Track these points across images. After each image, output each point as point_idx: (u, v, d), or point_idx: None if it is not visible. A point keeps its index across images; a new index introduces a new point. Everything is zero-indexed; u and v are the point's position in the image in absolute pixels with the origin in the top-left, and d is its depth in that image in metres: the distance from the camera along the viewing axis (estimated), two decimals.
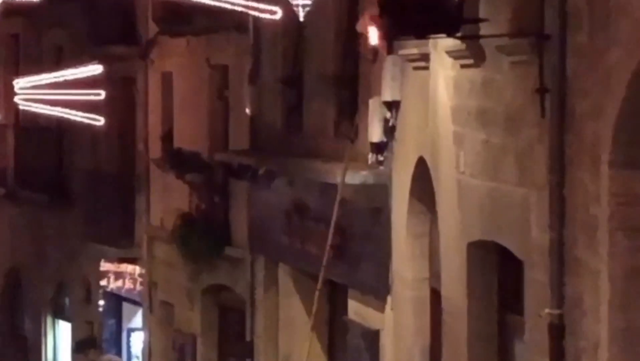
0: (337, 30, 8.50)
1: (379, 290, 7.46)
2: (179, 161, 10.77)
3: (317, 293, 7.77)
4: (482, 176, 5.76)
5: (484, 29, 5.60)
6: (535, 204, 5.20)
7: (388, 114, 7.05)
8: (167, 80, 11.50)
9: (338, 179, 7.59)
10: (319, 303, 8.14)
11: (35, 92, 11.98)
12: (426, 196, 6.77)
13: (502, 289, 5.90)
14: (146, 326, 11.84)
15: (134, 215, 12.06)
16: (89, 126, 11.85)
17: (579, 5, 4.85)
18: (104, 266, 12.27)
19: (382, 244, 7.39)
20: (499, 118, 5.61)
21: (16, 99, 12.30)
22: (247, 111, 9.62)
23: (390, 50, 6.67)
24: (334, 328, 8.79)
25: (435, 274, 6.77)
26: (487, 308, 5.91)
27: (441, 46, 6.12)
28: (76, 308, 13.26)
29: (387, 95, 6.96)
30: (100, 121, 11.76)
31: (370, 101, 7.30)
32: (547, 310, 4.99)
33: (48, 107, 11.86)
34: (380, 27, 5.65)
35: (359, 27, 6.70)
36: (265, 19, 8.53)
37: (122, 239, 12.03)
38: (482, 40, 5.67)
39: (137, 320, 12.22)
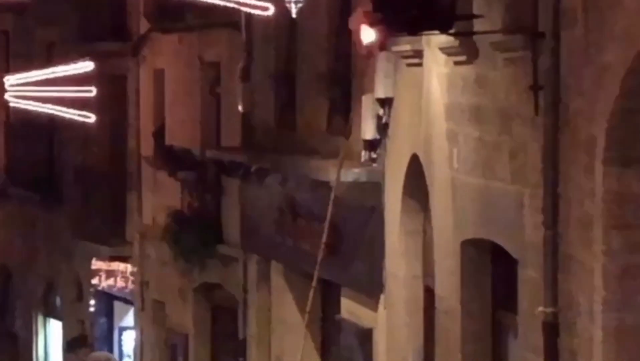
0: (330, 26, 8.46)
1: (372, 289, 7.43)
2: (170, 159, 10.72)
3: (311, 290, 7.73)
4: (475, 174, 5.73)
5: (478, 26, 5.57)
6: (529, 202, 5.18)
7: (381, 111, 7.02)
8: (158, 77, 11.44)
9: (331, 177, 7.56)
10: (311, 301, 8.10)
11: (25, 89, 11.90)
12: (419, 194, 6.74)
13: (496, 288, 5.88)
14: (138, 324, 11.79)
15: (125, 213, 12.01)
16: (80, 123, 11.80)
17: (573, 2, 4.83)
18: (96, 264, 12.23)
19: (375, 242, 7.36)
20: (492, 115, 5.58)
21: (6, 96, 12.23)
22: (240, 108, 9.57)
23: (384, 47, 6.64)
24: (327, 327, 8.76)
25: (428, 273, 6.75)
26: (481, 306, 5.89)
27: (434, 43, 6.09)
28: (67, 306, 13.21)
29: (380, 92, 6.92)
30: (91, 118, 11.70)
31: (363, 98, 7.26)
32: (541, 308, 4.96)
33: (39, 104, 11.80)
34: (373, 24, 5.61)
35: (351, 24, 6.66)
36: (257, 15, 8.48)
37: (113, 238, 11.99)
38: (475, 37, 5.64)
39: (129, 319, 12.17)
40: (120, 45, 11.79)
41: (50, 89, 11.50)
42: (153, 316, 11.42)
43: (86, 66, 11.39)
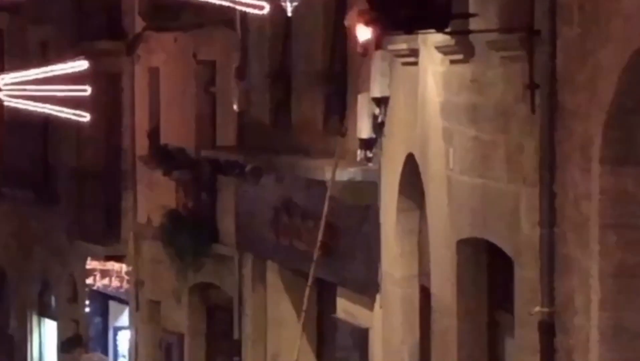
0: (326, 25, 8.45)
1: (368, 288, 7.42)
2: (165, 158, 10.70)
3: (307, 289, 7.72)
4: (471, 173, 5.72)
5: (474, 24, 5.56)
6: (525, 201, 5.16)
7: (377, 110, 7.00)
8: (153, 76, 11.41)
9: (327, 176, 7.54)
10: (307, 301, 8.09)
11: (20, 88, 11.85)
12: (415, 193, 6.72)
13: (492, 287, 5.87)
14: (133, 324, 11.76)
15: (120, 212, 11.98)
16: (74, 122, 11.76)
17: (569, 1, 4.81)
18: (90, 264, 12.19)
19: (371, 241, 7.35)
20: (488, 114, 5.56)
21: (1, 95, 12.18)
22: (235, 106, 9.55)
23: (379, 45, 6.61)
24: (323, 327, 8.74)
25: (424, 272, 6.73)
26: (476, 306, 5.88)
27: (430, 41, 6.07)
28: (62, 306, 13.17)
29: (376, 91, 6.91)
30: (86, 117, 11.66)
31: (359, 97, 7.25)
32: (537, 308, 4.95)
33: (33, 103, 11.75)
34: (368, 22, 5.60)
35: (347, 22, 6.64)
36: (253, 14, 8.46)
37: (108, 237, 11.95)
38: (471, 36, 5.62)
39: (124, 319, 12.14)
40: (115, 44, 11.76)
41: (44, 88, 11.45)
42: (148, 316, 11.39)
43: (81, 64, 11.34)
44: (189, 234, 10.21)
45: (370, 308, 7.42)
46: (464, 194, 5.79)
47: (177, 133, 10.86)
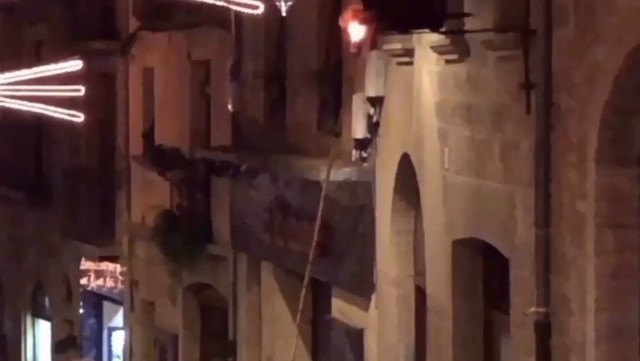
0: (320, 24, 8.43)
1: (363, 288, 7.40)
2: (160, 158, 10.67)
3: (303, 289, 7.70)
4: (467, 173, 5.70)
5: (469, 24, 5.55)
6: (521, 201, 5.15)
7: (372, 110, 6.98)
8: (148, 76, 11.38)
9: (321, 176, 7.52)
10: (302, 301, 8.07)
11: (14, 88, 11.80)
12: (410, 193, 6.71)
13: (487, 287, 5.86)
14: (127, 325, 11.73)
15: (114, 213, 11.95)
16: (68, 122, 11.72)
17: (564, 0, 4.80)
18: (84, 264, 12.16)
19: (366, 241, 7.33)
20: (484, 114, 5.55)
21: None
22: (229, 106, 9.52)
23: (374, 45, 6.60)
24: (318, 327, 8.72)
25: (420, 272, 6.72)
26: (472, 306, 5.87)
27: (425, 41, 6.06)
28: (56, 307, 13.13)
29: (371, 91, 6.89)
30: (79, 117, 11.62)
31: (354, 97, 7.23)
32: (533, 308, 4.94)
33: (27, 103, 11.70)
34: (363, 22, 5.58)
35: (342, 22, 6.63)
36: (247, 13, 8.43)
37: (102, 237, 11.92)
38: (466, 35, 5.61)
39: (118, 319, 12.10)
40: (109, 44, 11.72)
41: (38, 88, 11.41)
42: (142, 316, 11.36)
43: (75, 64, 11.30)
44: (184, 234, 10.18)
45: (366, 308, 7.40)
46: (459, 194, 5.78)
47: (171, 133, 10.83)
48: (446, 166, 5.93)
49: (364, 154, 7.17)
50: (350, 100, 7.33)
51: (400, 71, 6.68)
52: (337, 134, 7.67)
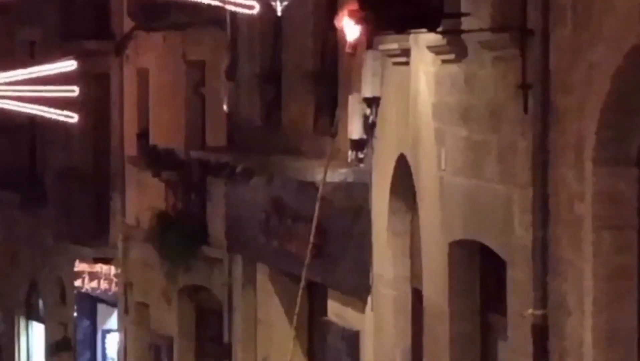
0: (316, 25, 8.40)
1: (359, 290, 7.36)
2: (154, 159, 10.62)
3: (300, 291, 7.66)
4: (463, 174, 5.67)
5: (466, 24, 5.52)
6: (518, 203, 5.13)
7: (368, 111, 6.95)
8: (142, 76, 11.33)
9: (317, 177, 7.48)
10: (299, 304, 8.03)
11: (7, 88, 11.74)
12: (407, 194, 6.68)
13: (484, 289, 5.83)
14: (121, 327, 11.68)
15: (108, 214, 11.90)
16: (62, 123, 11.66)
17: (562, 0, 4.77)
18: (79, 266, 12.10)
19: (362, 243, 7.29)
20: (481, 114, 5.52)
21: None
22: (225, 107, 9.48)
23: (370, 45, 6.56)
24: (314, 329, 8.68)
25: (416, 274, 6.69)
26: (469, 308, 5.84)
27: (422, 41, 6.03)
28: (50, 309, 13.08)
29: (367, 91, 6.86)
30: (74, 117, 11.56)
31: (350, 98, 7.20)
32: (530, 310, 4.92)
33: (21, 103, 11.64)
34: (359, 22, 5.54)
35: (337, 22, 6.59)
36: (242, 13, 8.40)
37: (96, 239, 11.87)
38: (463, 35, 5.58)
39: (113, 321, 12.06)
40: (103, 44, 11.68)
41: (32, 89, 11.35)
42: (137, 319, 11.31)
43: (69, 65, 11.25)
44: (179, 236, 10.13)
45: (362, 310, 7.36)
46: (456, 195, 5.75)
47: (166, 134, 10.78)
48: (443, 167, 5.90)
49: (360, 155, 7.14)
50: (346, 100, 7.30)
51: (396, 71, 6.65)
52: (333, 135, 7.64)
